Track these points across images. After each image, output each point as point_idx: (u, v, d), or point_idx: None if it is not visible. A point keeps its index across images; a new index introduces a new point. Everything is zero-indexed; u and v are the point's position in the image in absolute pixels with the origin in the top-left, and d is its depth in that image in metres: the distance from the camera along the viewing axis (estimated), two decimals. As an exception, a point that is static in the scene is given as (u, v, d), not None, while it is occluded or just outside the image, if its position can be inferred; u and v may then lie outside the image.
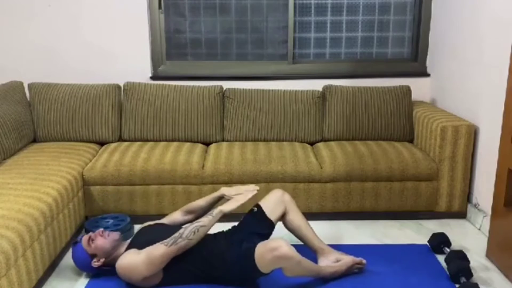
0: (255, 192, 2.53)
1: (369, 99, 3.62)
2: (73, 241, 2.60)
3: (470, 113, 3.25)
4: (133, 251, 2.40)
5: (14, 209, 2.30)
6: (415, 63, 4.01)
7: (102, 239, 2.46)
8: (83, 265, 2.52)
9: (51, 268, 2.61)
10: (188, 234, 2.31)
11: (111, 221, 3.03)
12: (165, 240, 2.32)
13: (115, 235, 2.52)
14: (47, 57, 3.79)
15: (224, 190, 2.63)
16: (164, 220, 2.71)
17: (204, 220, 2.37)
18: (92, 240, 2.47)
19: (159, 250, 2.29)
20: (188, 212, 2.70)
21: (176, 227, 2.47)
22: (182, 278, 2.40)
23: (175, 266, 2.34)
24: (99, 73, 3.78)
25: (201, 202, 2.69)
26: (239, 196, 2.51)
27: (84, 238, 2.50)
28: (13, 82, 3.52)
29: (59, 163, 3.03)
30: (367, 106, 3.61)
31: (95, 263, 2.46)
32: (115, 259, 2.43)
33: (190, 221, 2.51)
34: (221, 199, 2.64)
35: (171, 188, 3.14)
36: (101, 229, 2.53)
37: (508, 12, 2.82)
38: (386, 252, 2.80)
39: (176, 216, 2.71)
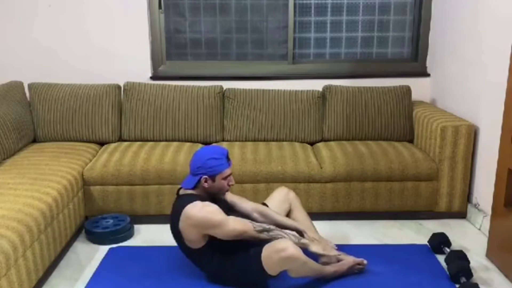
0: (336, 253, 2.51)
1: (369, 99, 3.62)
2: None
3: (470, 113, 3.25)
4: (220, 209, 2.33)
5: (14, 209, 2.31)
6: (415, 63, 4.01)
7: (227, 187, 2.44)
8: (201, 159, 2.41)
9: (51, 268, 2.61)
10: (275, 236, 2.32)
11: (111, 221, 3.03)
12: (255, 223, 2.34)
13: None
14: (47, 57, 3.79)
15: (307, 230, 2.54)
16: (235, 199, 2.62)
17: (291, 238, 2.35)
18: (226, 178, 2.42)
19: (247, 226, 2.30)
20: (261, 214, 2.56)
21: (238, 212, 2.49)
22: (207, 261, 2.40)
23: (213, 249, 2.36)
24: (99, 73, 3.78)
25: (279, 218, 2.56)
26: (326, 246, 2.50)
27: (229, 170, 2.43)
28: (13, 82, 3.52)
29: (59, 163, 3.03)
30: (367, 106, 3.61)
31: (205, 182, 2.39)
32: (202, 198, 2.38)
33: (255, 221, 2.46)
34: (297, 232, 2.50)
35: (171, 188, 3.13)
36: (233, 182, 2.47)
37: (508, 12, 2.82)
38: (386, 252, 2.80)
39: (246, 205, 2.60)
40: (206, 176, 2.39)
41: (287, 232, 2.38)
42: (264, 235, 2.31)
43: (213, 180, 2.40)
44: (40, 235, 2.38)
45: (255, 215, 2.55)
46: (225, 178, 2.42)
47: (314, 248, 2.42)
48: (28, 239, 2.24)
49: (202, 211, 2.30)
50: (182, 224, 2.34)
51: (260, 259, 2.26)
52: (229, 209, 2.48)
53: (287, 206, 2.66)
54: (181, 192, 2.48)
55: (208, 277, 2.48)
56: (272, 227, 2.37)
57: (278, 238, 2.32)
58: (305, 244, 2.38)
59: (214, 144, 3.56)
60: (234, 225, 2.29)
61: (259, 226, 2.33)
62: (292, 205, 2.67)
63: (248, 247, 2.36)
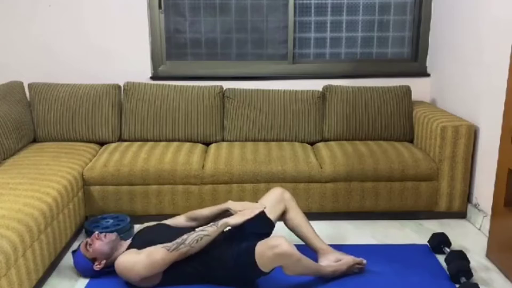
0: (262, 209, 2.51)
1: (369, 99, 3.62)
2: (72, 251, 2.61)
3: (470, 113, 3.25)
4: (133, 251, 2.40)
5: (14, 209, 2.30)
6: (415, 63, 4.01)
7: (99, 242, 2.47)
8: (85, 271, 2.53)
9: (51, 268, 2.61)
10: (191, 241, 2.31)
11: (111, 221, 3.03)
12: (167, 244, 2.32)
13: (112, 235, 2.53)
14: (47, 57, 3.79)
15: (230, 204, 2.59)
16: (167, 222, 2.71)
17: (209, 229, 2.36)
18: (90, 244, 2.48)
19: (160, 254, 2.29)
20: (192, 219, 2.68)
21: (178, 229, 2.48)
22: (182, 279, 2.40)
23: (175, 267, 2.34)
24: (99, 73, 3.78)
25: (205, 211, 2.66)
26: (246, 211, 2.49)
27: (82, 245, 2.52)
28: (13, 82, 3.51)
29: (59, 163, 3.03)
30: (367, 106, 3.61)
31: (97, 266, 2.47)
32: (115, 259, 2.43)
33: (193, 228, 2.49)
34: (226, 212, 2.59)
35: (171, 188, 3.13)
36: (97, 232, 2.54)
37: (508, 12, 2.82)
38: (386, 252, 2.80)
39: (179, 221, 2.70)
40: (93, 265, 2.48)
41: (205, 228, 2.36)
42: (183, 248, 2.29)
43: (95, 259, 2.49)
44: (40, 235, 2.38)
45: (189, 223, 2.65)
46: (88, 247, 2.48)
47: (232, 221, 2.40)
48: (28, 239, 2.24)
49: (116, 265, 2.39)
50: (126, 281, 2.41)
51: (253, 255, 2.26)
52: (170, 233, 2.46)
53: (282, 206, 2.64)
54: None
55: (204, 276, 2.45)
56: (185, 236, 2.33)
57: (197, 238, 2.31)
58: (224, 224, 2.37)
59: (214, 145, 3.55)
60: (147, 260, 2.30)
61: (172, 244, 2.31)
62: (287, 206, 2.65)
63: (235, 246, 2.37)
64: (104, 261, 2.47)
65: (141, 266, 2.30)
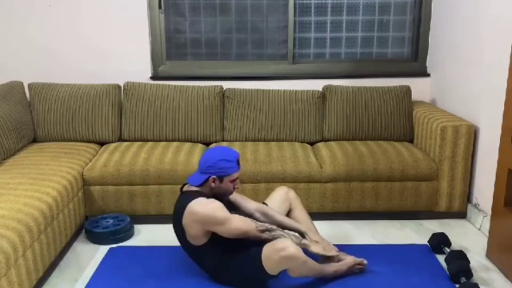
0: (337, 255, 2.51)
1: (369, 99, 3.62)
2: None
3: (470, 113, 3.25)
4: (224, 207, 2.35)
5: (14, 209, 2.30)
6: (415, 63, 4.01)
7: (232, 190, 2.47)
8: (213, 159, 2.42)
9: (51, 268, 2.61)
10: (277, 235, 2.33)
11: (111, 221, 3.03)
12: (258, 222, 2.35)
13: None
14: (47, 57, 3.79)
15: (309, 232, 2.53)
16: (238, 198, 2.62)
17: (293, 238, 2.35)
18: (233, 181, 2.44)
19: (249, 225, 2.31)
20: (263, 213, 2.57)
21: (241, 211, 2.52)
22: (212, 259, 2.40)
23: (217, 245, 2.36)
24: (99, 73, 3.78)
25: (280, 218, 2.56)
26: (327, 247, 2.50)
27: (238, 174, 2.45)
28: (13, 82, 3.51)
29: (59, 163, 3.03)
30: (367, 106, 3.61)
31: (212, 182, 2.40)
32: (207, 196, 2.39)
33: (257, 220, 2.46)
34: (299, 233, 2.50)
35: (171, 188, 3.13)
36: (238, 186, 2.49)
37: (508, 12, 2.82)
38: (386, 252, 2.80)
39: (248, 204, 2.61)
40: (214, 176, 2.40)
41: (289, 233, 2.39)
42: (266, 235, 2.31)
43: (221, 181, 2.41)
44: (40, 235, 2.38)
45: (257, 214, 2.56)
46: (232, 181, 2.44)
47: (315, 249, 2.42)
48: (28, 239, 2.24)
49: (206, 208, 2.31)
50: (185, 220, 2.34)
51: (260, 258, 2.26)
52: (232, 208, 2.48)
53: (287, 205, 2.66)
54: (186, 188, 2.49)
55: (209, 276, 2.48)
56: (274, 227, 2.37)
57: (279, 238, 2.32)
58: (305, 245, 2.38)
59: (215, 145, 3.56)
60: (238, 223, 2.30)
61: (261, 225, 2.34)
62: (292, 205, 2.68)
63: (249, 247, 2.36)
64: (216, 185, 2.41)
65: (229, 225, 2.28)
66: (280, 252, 2.22)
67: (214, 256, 2.40)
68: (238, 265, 2.37)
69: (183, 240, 2.42)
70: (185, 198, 2.39)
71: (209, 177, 2.40)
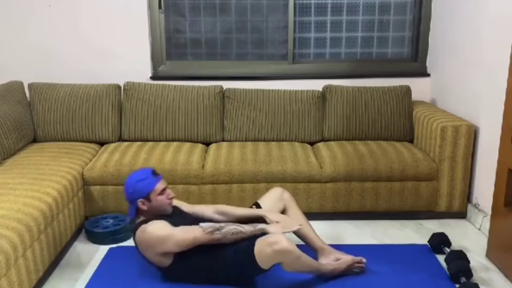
0: (300, 227, 2.50)
1: (369, 99, 3.62)
2: (152, 171, 2.51)
3: (470, 113, 3.25)
4: (167, 223, 2.37)
5: (14, 209, 2.31)
6: (415, 63, 4.01)
7: (168, 201, 2.46)
8: (130, 185, 2.44)
9: (51, 268, 2.61)
10: (227, 232, 2.31)
11: (111, 221, 3.03)
12: (203, 225, 2.33)
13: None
14: (47, 57, 3.79)
15: (267, 213, 2.54)
16: (193, 209, 2.65)
17: (246, 228, 2.35)
18: (162, 193, 2.44)
19: (195, 232, 2.30)
20: (221, 213, 2.61)
21: (197, 218, 2.51)
22: (187, 270, 2.40)
23: (184, 256, 2.35)
24: (99, 73, 3.78)
25: (239, 211, 2.60)
26: (285, 223, 2.46)
27: (161, 185, 2.46)
28: (13, 82, 3.52)
29: (59, 163, 3.03)
30: (367, 106, 3.61)
31: (142, 205, 2.42)
32: (148, 220, 2.40)
33: (218, 222, 2.47)
34: (259, 218, 2.52)
35: (171, 188, 3.10)
36: (172, 195, 2.50)
37: (508, 12, 2.82)
38: (386, 252, 2.80)
39: (206, 210, 2.63)
40: (141, 199, 2.42)
41: (243, 225, 2.36)
42: (217, 235, 2.30)
43: (149, 200, 2.44)
44: (40, 235, 2.38)
45: (217, 216, 2.59)
46: (161, 194, 2.45)
47: (272, 229, 2.37)
48: (28, 239, 2.24)
49: (145, 232, 2.36)
50: (141, 250, 2.41)
51: (252, 252, 2.26)
52: (195, 221, 2.45)
53: (281, 205, 2.64)
54: (135, 223, 2.50)
55: (204, 279, 2.45)
56: (222, 224, 2.35)
57: (233, 231, 2.31)
58: (262, 229, 2.36)
59: (214, 145, 3.56)
60: (181, 235, 2.31)
61: (209, 227, 2.31)
62: (286, 205, 2.66)
63: (234, 243, 2.36)
64: (147, 208, 2.42)
65: (174, 240, 2.30)
66: (273, 246, 2.22)
67: (192, 265, 2.39)
68: (228, 260, 2.34)
69: (155, 267, 2.44)
70: (134, 232, 2.45)
71: (137, 203, 2.43)
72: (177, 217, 2.47)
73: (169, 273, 2.44)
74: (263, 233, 2.34)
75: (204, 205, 2.74)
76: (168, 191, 2.49)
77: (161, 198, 2.45)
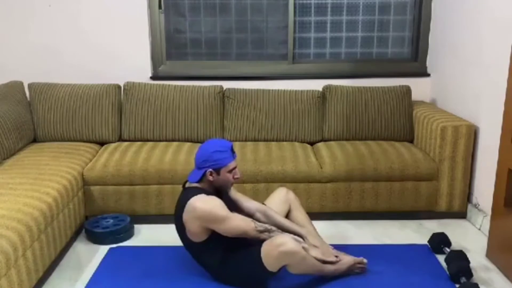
0: (338, 261, 2.49)
1: (369, 99, 3.62)
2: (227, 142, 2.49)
3: (470, 113, 3.25)
4: (223, 204, 2.34)
5: (14, 209, 2.30)
6: (415, 63, 4.01)
7: (232, 180, 2.45)
8: (207, 152, 2.40)
9: (51, 268, 2.61)
10: (272, 237, 2.32)
11: (111, 221, 3.03)
12: (257, 223, 2.35)
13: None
14: (47, 57, 3.79)
15: (309, 236, 2.51)
16: (240, 197, 2.62)
17: (290, 236, 2.35)
18: (231, 171, 2.42)
19: (249, 225, 2.32)
20: (264, 214, 2.56)
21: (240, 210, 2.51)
22: (213, 255, 2.40)
23: (218, 243, 2.36)
24: (99, 73, 3.78)
25: (282, 221, 2.54)
26: (327, 253, 2.48)
27: (234, 163, 2.43)
28: (13, 82, 3.52)
29: (59, 163, 3.02)
30: (367, 106, 3.61)
31: (210, 176, 2.39)
32: (205, 191, 2.39)
33: (258, 221, 2.46)
34: (298, 236, 2.49)
35: (171, 188, 3.13)
36: (238, 176, 2.46)
37: (508, 12, 2.82)
38: (386, 252, 2.80)
39: (249, 204, 2.61)
40: (211, 170, 2.39)
41: (288, 235, 2.38)
42: (265, 236, 2.32)
43: (218, 174, 2.40)
44: (40, 235, 2.38)
45: (258, 215, 2.56)
46: (230, 171, 2.42)
47: (313, 253, 2.41)
48: (28, 239, 2.24)
49: (206, 204, 2.31)
50: (186, 216, 2.34)
51: (260, 255, 2.27)
52: (234, 207, 2.48)
53: (286, 207, 2.66)
54: (187, 185, 2.49)
55: (209, 275, 2.47)
56: (273, 228, 2.38)
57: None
58: (305, 248, 2.37)
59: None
60: (237, 222, 2.31)
61: (260, 226, 2.34)
62: (291, 206, 2.67)
63: (249, 246, 2.36)
64: (214, 178, 2.40)
65: (228, 224, 2.29)
66: (279, 247, 2.23)
67: (214, 254, 2.40)
68: (238, 263, 2.37)
69: (184, 236, 2.42)
70: (186, 194, 2.39)
71: (206, 171, 2.39)
72: (227, 201, 2.43)
73: (193, 248, 2.42)
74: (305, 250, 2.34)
75: (248, 197, 2.69)
76: (236, 170, 2.46)
77: (229, 175, 2.42)
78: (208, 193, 2.39)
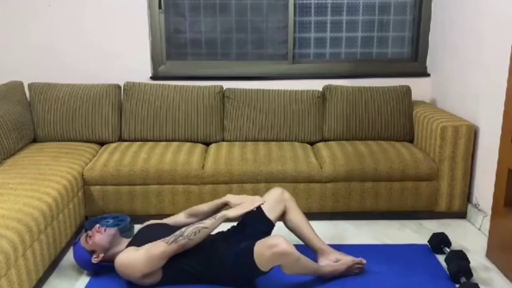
0: (262, 202, 2.51)
1: (369, 99, 3.62)
2: (74, 241, 2.61)
3: (470, 113, 3.25)
4: (132, 248, 2.41)
5: (14, 209, 2.30)
6: (415, 63, 4.01)
7: (99, 235, 2.48)
8: (84, 263, 2.53)
9: (51, 268, 2.61)
10: (189, 233, 2.31)
11: (111, 221, 3.03)
12: (165, 238, 2.33)
13: (112, 230, 2.54)
14: (47, 57, 3.79)
15: (230, 198, 2.60)
16: (167, 221, 2.71)
17: (207, 222, 2.37)
18: (90, 237, 2.49)
19: (159, 247, 2.29)
20: (191, 215, 2.67)
21: (178, 228, 2.48)
22: (181, 278, 2.40)
23: (174, 265, 2.34)
24: (99, 73, 3.78)
25: (204, 207, 2.66)
26: (244, 203, 2.49)
27: (82, 237, 2.53)
28: (13, 82, 3.52)
29: (59, 163, 3.03)
30: (367, 106, 3.61)
31: (95, 259, 2.47)
32: (114, 255, 2.44)
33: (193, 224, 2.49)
34: (225, 206, 2.60)
35: (171, 188, 3.14)
36: (97, 225, 2.54)
37: (508, 12, 2.82)
38: (386, 252, 2.80)
39: (179, 218, 2.70)
40: (93, 257, 2.49)
41: (203, 221, 2.37)
42: (182, 240, 2.30)
43: (93, 251, 2.49)
44: (40, 235, 2.38)
45: (190, 220, 2.63)
46: (89, 238, 2.49)
47: (231, 213, 2.41)
48: (28, 239, 2.24)
49: (116, 265, 2.39)
50: (124, 277, 2.41)
51: (252, 254, 2.26)
52: (173, 231, 2.44)
53: (281, 207, 2.63)
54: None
55: (200, 279, 2.44)
56: (182, 229, 2.35)
57: (195, 231, 2.31)
58: (223, 217, 2.38)
59: (214, 144, 3.55)
60: (146, 255, 2.30)
61: (170, 237, 2.32)
62: (287, 206, 2.64)
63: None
64: (102, 255, 2.47)
65: (140, 262, 2.30)
66: (272, 248, 2.21)
67: (185, 272, 2.38)
68: (228, 264, 2.35)
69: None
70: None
71: (93, 259, 2.48)
72: (163, 233, 2.42)
73: (166, 283, 2.41)
74: (226, 218, 2.39)
75: (177, 214, 2.75)
76: (91, 231, 2.52)
77: (94, 240, 2.46)
78: (106, 251, 2.48)
